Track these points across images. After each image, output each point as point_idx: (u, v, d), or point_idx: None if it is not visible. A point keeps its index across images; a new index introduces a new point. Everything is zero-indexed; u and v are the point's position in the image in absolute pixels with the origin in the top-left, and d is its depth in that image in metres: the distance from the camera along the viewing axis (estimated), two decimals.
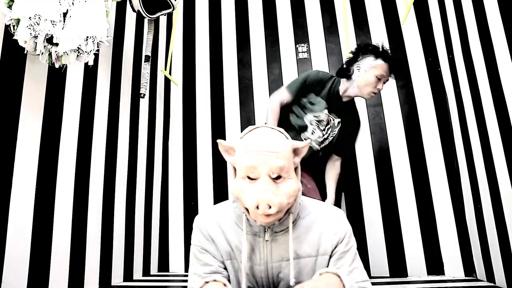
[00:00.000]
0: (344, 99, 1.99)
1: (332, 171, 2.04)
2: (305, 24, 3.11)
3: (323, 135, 1.98)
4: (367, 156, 2.73)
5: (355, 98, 2.04)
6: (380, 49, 1.91)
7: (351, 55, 1.98)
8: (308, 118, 1.95)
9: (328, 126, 1.98)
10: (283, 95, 1.97)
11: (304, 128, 1.96)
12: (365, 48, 1.94)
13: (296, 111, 1.97)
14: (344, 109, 2.00)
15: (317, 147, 1.99)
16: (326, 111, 1.95)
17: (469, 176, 2.36)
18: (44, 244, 1.66)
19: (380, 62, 1.88)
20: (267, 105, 2.02)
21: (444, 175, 2.60)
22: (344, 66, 1.99)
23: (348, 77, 1.94)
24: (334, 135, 2.00)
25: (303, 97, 1.96)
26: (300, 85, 1.95)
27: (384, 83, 1.92)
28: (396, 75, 1.99)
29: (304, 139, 1.96)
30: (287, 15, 3.17)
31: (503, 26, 1.89)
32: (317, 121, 1.95)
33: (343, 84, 1.97)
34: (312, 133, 1.96)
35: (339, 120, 2.00)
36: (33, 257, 1.57)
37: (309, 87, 1.95)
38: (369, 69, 1.88)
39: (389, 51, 1.93)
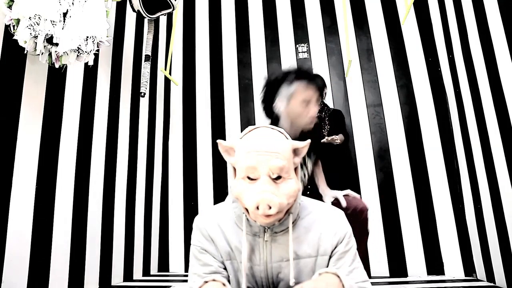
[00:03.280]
0: None
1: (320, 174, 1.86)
2: (305, 24, 3.11)
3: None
4: (367, 156, 2.73)
5: None
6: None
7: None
8: None
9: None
10: None
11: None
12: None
13: None
14: None
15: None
16: None
17: (469, 176, 2.36)
18: (44, 244, 1.66)
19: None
20: None
21: (444, 175, 2.60)
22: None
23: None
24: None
25: None
26: None
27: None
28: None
29: None
30: (287, 15, 3.17)
31: (503, 26, 1.89)
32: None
33: None
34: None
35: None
36: (33, 257, 1.57)
37: None
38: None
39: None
